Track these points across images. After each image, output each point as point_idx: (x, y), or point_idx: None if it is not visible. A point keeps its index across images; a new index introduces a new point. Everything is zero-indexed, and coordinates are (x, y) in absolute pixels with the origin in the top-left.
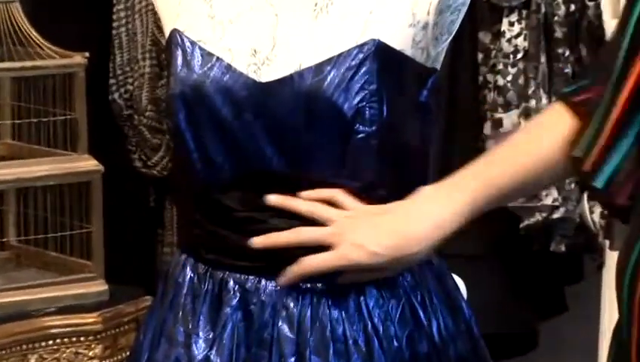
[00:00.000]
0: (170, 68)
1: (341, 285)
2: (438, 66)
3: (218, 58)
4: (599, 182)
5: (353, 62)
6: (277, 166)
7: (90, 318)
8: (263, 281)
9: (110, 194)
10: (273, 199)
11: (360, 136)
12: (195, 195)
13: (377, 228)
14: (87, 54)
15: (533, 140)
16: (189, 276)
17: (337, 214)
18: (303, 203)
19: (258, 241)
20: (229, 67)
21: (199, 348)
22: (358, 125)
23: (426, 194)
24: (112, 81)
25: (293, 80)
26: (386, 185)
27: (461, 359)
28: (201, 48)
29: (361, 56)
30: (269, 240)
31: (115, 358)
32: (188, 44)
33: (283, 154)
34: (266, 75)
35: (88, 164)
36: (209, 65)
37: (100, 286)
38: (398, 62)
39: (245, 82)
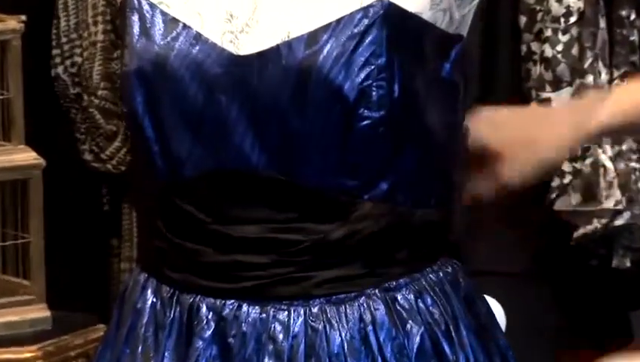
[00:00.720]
0: (125, 38)
1: (344, 306)
2: (465, 32)
3: (185, 25)
4: None
5: (356, 30)
6: (257, 163)
7: (27, 352)
8: (245, 307)
9: (53, 195)
10: None
11: (365, 123)
12: (157, 199)
13: None
14: (23, 18)
15: None
16: (150, 301)
17: None
18: None
19: None
20: (198, 36)
21: None
22: (362, 109)
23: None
24: (55, 51)
25: (280, 52)
26: (389, 176)
27: None
28: (163, 13)
29: (365, 21)
30: None
31: None
32: (147, 7)
33: (265, 148)
34: (245, 46)
35: (25, 156)
36: (173, 34)
37: (40, 312)
38: (412, 28)
39: (219, 56)
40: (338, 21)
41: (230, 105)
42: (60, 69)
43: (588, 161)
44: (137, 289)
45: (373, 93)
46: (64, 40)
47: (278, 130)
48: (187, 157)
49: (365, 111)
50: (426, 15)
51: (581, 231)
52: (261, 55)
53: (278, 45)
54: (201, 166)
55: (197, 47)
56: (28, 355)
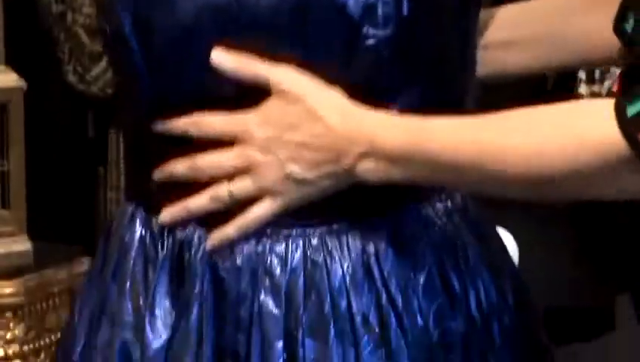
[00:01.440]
0: None
1: (345, 237)
2: None
3: None
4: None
5: None
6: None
7: (7, 287)
8: (239, 239)
9: (35, 120)
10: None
11: (370, 42)
12: (146, 125)
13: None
14: None
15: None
16: (139, 234)
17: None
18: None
19: (156, 172)
20: None
21: (156, 333)
22: (367, 27)
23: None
24: None
25: None
26: (394, 106)
27: (507, 338)
28: None
29: None
30: (165, 170)
31: (42, 342)
32: None
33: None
34: None
35: (5, 78)
36: None
37: (20, 244)
38: None
39: None
40: None
41: (225, 23)
42: None
43: (607, 83)
44: (125, 221)
45: (379, 9)
46: None
47: (276, 52)
48: (180, 82)
49: (370, 29)
50: None
51: None
52: None
53: None
54: (197, 90)
55: None
56: (7, 291)
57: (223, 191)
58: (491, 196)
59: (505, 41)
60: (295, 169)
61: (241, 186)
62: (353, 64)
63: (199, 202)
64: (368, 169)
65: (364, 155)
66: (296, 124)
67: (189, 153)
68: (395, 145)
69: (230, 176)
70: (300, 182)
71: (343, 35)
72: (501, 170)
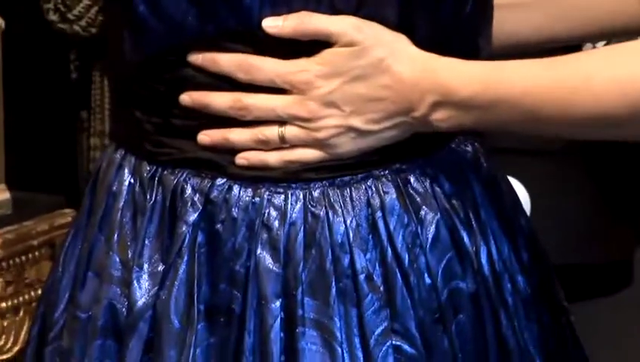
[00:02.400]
0: None
1: (349, 190)
2: None
3: None
4: None
5: None
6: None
7: None
8: (236, 188)
9: (13, 62)
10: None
11: None
12: (140, 65)
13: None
14: None
15: None
16: (127, 182)
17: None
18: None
19: (185, 98)
20: None
21: (143, 287)
22: None
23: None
24: None
25: None
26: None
27: (521, 301)
28: None
29: None
30: (201, 99)
31: (21, 298)
32: None
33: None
34: None
35: None
36: None
37: None
38: None
39: None
40: None
41: None
42: None
43: None
44: (112, 168)
45: None
46: None
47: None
48: (183, 18)
49: None
50: None
51: None
52: None
53: None
54: (200, 26)
55: None
56: None
57: (272, 132)
58: (500, 143)
59: (511, 1)
60: (358, 123)
61: (295, 133)
62: None
63: (242, 136)
64: (442, 118)
65: (437, 104)
66: (362, 76)
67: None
68: (471, 92)
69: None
70: (361, 134)
71: None
72: (586, 108)
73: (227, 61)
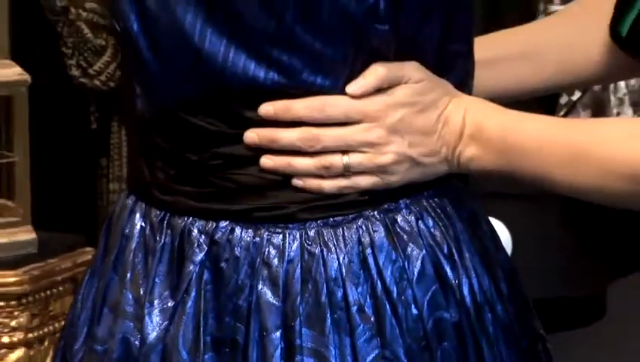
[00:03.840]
0: None
1: (341, 229)
2: None
3: None
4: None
5: None
6: (258, 78)
7: (12, 277)
8: (238, 230)
9: (39, 113)
10: (265, 109)
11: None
12: (149, 119)
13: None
14: None
15: None
16: (139, 225)
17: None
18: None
19: (251, 135)
20: None
21: (154, 322)
22: (373, 25)
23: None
24: None
25: None
26: None
27: (501, 329)
28: None
29: None
30: (268, 135)
31: (46, 329)
32: None
33: (275, 69)
34: None
35: (10, 72)
36: None
37: (25, 234)
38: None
39: None
40: None
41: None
42: None
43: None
44: (125, 213)
45: (381, 5)
46: None
47: (286, 52)
48: (186, 76)
49: (377, 26)
50: None
51: None
52: None
53: None
54: (201, 84)
55: None
56: (12, 279)
57: (337, 160)
58: (485, 188)
59: (489, 59)
60: (414, 153)
61: (359, 160)
62: (359, 57)
63: (306, 163)
64: (470, 156)
65: (471, 137)
66: (423, 110)
67: (196, 144)
68: (496, 133)
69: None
70: (415, 165)
71: (348, 34)
72: (593, 171)
73: (301, 106)
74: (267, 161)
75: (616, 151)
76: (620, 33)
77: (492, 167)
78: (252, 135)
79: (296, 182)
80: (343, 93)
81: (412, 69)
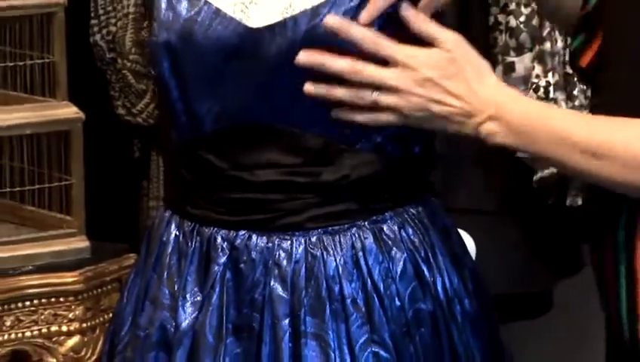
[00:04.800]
0: (153, 11)
1: (338, 236)
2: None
3: (206, 1)
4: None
5: (352, 4)
6: (268, 118)
7: (70, 277)
8: (254, 237)
9: (92, 144)
10: (330, 20)
11: None
12: (179, 148)
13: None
14: None
15: None
16: (174, 234)
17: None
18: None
19: (303, 56)
20: (217, 11)
21: (186, 312)
22: None
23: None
24: (93, 21)
25: (287, 25)
26: (382, 130)
27: (467, 319)
28: None
29: None
30: (318, 60)
31: (97, 320)
32: None
33: (275, 106)
34: (254, 16)
35: (68, 111)
36: (196, 9)
37: (80, 243)
38: (400, 2)
39: (235, 28)
40: None
41: (244, 70)
42: (97, 37)
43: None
44: (163, 224)
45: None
46: (101, 12)
47: (286, 90)
48: (207, 115)
49: None
50: None
51: (540, 174)
52: (270, 28)
53: (285, 19)
54: (220, 122)
55: (217, 21)
56: (70, 279)
57: (368, 94)
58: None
59: None
60: (434, 107)
61: (387, 98)
62: None
63: (343, 91)
64: (491, 130)
65: (491, 117)
66: (450, 76)
67: (216, 176)
68: (517, 117)
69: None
70: (435, 117)
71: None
72: (613, 167)
73: (359, 30)
74: (309, 86)
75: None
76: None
77: (510, 144)
78: (304, 56)
79: (334, 113)
80: (335, 127)
81: (447, 40)
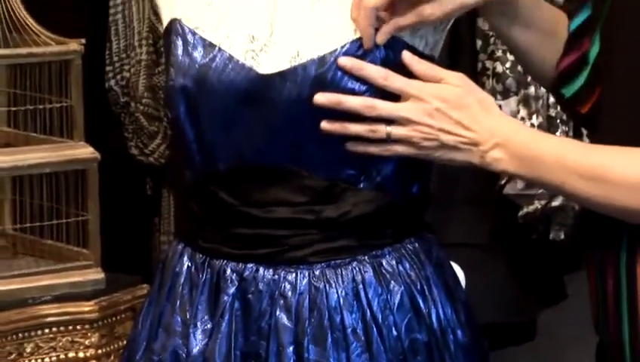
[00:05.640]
0: (169, 57)
1: (340, 270)
2: (437, 54)
3: (220, 49)
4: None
5: (357, 54)
6: (277, 159)
7: (86, 306)
8: (261, 270)
9: (107, 182)
10: (344, 60)
11: None
12: (192, 186)
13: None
14: (83, 41)
15: None
16: (186, 265)
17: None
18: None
19: (320, 98)
20: (230, 58)
21: (197, 339)
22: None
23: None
24: (108, 68)
25: (297, 72)
26: (383, 171)
27: (460, 347)
28: (202, 38)
29: (363, 48)
30: (334, 98)
31: (112, 347)
32: (189, 33)
33: (283, 148)
34: (264, 62)
35: (85, 151)
36: (211, 55)
37: (96, 274)
38: (399, 49)
39: (247, 74)
40: (342, 47)
41: (255, 113)
42: (112, 82)
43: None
44: (176, 256)
45: None
46: (115, 59)
47: (294, 133)
48: (220, 155)
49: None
50: (407, 39)
51: (525, 210)
52: (281, 74)
53: (295, 67)
54: (232, 162)
55: (229, 67)
56: (87, 308)
57: (382, 128)
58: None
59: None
60: (443, 137)
61: (399, 131)
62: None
63: (359, 127)
64: (496, 157)
65: (497, 145)
66: (457, 107)
67: (227, 212)
68: (520, 144)
69: (388, 121)
70: (445, 147)
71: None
72: (605, 193)
73: (373, 69)
74: (326, 124)
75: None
76: (562, 95)
77: (514, 171)
78: (321, 97)
79: (349, 145)
80: (339, 168)
81: (453, 76)
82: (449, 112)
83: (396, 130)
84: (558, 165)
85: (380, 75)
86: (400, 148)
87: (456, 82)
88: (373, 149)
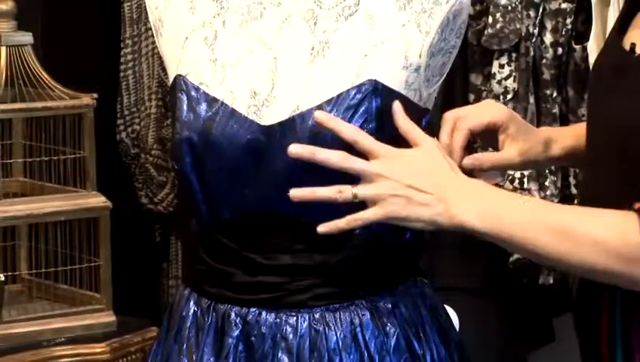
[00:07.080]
0: (175, 112)
1: (338, 313)
2: (431, 107)
3: (223, 103)
4: None
5: (352, 102)
6: (278, 208)
7: (98, 348)
8: (264, 313)
9: (118, 230)
10: (319, 114)
11: None
12: (198, 233)
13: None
14: (95, 96)
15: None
16: (192, 309)
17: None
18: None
19: (296, 149)
20: (233, 112)
21: None
22: None
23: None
24: (119, 121)
25: (295, 122)
26: (393, 232)
27: None
28: (205, 94)
29: (359, 96)
30: (308, 150)
31: None
32: (193, 90)
33: (284, 197)
34: (265, 116)
35: (97, 200)
36: (214, 110)
37: (108, 318)
38: (394, 101)
39: (250, 126)
40: (338, 96)
41: (257, 164)
42: (123, 135)
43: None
44: (183, 301)
45: None
46: (126, 112)
47: (294, 182)
48: (224, 204)
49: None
50: (403, 92)
51: (515, 256)
52: (281, 125)
53: (293, 117)
54: (236, 210)
55: (232, 120)
56: (99, 350)
57: (348, 188)
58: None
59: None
60: (412, 194)
61: (365, 190)
62: None
63: (326, 191)
64: (463, 214)
65: (465, 202)
66: (426, 168)
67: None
68: (485, 203)
69: (353, 181)
70: (412, 204)
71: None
72: (545, 250)
73: (346, 127)
74: (296, 192)
75: (599, 233)
76: None
77: (479, 229)
78: (296, 148)
79: (320, 229)
80: (338, 216)
81: (424, 139)
82: (419, 170)
83: (362, 190)
84: (524, 221)
85: (349, 131)
86: (367, 214)
87: (428, 145)
88: (342, 225)
